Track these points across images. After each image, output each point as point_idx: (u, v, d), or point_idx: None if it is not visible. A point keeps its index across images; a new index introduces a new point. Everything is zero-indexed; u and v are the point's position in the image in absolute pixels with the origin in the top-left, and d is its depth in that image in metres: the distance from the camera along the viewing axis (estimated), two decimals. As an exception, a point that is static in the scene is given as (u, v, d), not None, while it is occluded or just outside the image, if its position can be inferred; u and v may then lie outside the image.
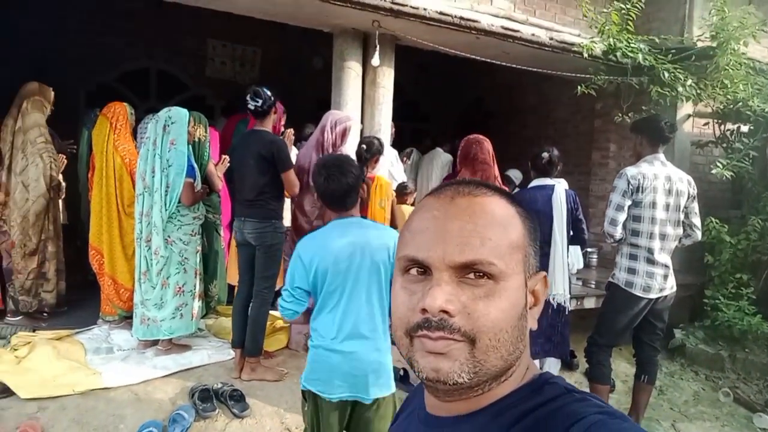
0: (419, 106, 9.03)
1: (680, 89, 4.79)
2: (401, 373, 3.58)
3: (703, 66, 4.87)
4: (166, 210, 3.44)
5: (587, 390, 1.27)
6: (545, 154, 3.57)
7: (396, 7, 3.97)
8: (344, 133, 3.72)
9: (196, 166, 3.60)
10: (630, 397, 3.62)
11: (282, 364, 3.65)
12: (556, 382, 0.67)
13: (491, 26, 4.44)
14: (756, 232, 4.76)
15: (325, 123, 3.73)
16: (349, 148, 3.84)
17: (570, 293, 3.73)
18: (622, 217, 3.20)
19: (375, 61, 4.31)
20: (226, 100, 6.60)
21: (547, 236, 3.48)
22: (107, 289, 3.90)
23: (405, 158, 5.64)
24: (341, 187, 2.08)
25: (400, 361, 3.79)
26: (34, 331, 3.73)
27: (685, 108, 5.34)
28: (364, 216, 2.73)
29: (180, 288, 3.51)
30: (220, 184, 3.89)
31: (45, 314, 4.05)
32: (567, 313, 3.66)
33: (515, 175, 5.94)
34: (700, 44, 5.00)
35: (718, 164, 4.64)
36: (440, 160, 5.81)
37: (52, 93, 4.07)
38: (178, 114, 3.53)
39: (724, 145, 5.21)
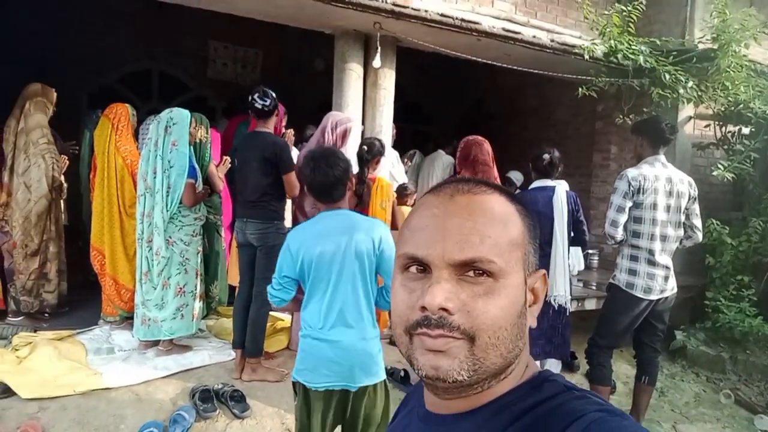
0: (421, 108, 9.04)
1: (681, 91, 4.80)
2: (402, 374, 3.59)
3: (704, 68, 4.88)
4: (167, 211, 3.45)
5: (587, 390, 1.27)
6: (546, 156, 3.57)
7: (397, 9, 3.98)
8: (345, 135, 3.73)
9: (197, 167, 3.61)
10: (631, 398, 3.61)
11: (283, 364, 3.65)
12: (556, 380, 0.67)
13: (492, 28, 4.45)
14: (757, 234, 4.76)
15: (325, 124, 3.74)
16: (350, 150, 3.84)
17: (571, 295, 3.72)
18: (623, 218, 3.20)
19: (376, 62, 4.32)
20: (228, 102, 6.61)
21: (547, 237, 3.48)
22: (108, 289, 3.90)
23: (407, 160, 5.65)
24: (327, 179, 2.12)
25: (401, 362, 3.80)
26: (35, 331, 3.74)
27: (687, 110, 5.34)
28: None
29: (181, 288, 3.51)
30: (221, 185, 3.90)
31: (46, 315, 4.05)
32: (568, 314, 3.66)
33: (516, 176, 5.94)
34: (701, 46, 5.00)
35: (719, 166, 4.64)
36: (441, 161, 5.81)
37: (55, 94, 4.08)
38: (180, 115, 3.54)
39: (725, 147, 5.21)
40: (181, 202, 3.47)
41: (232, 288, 4.27)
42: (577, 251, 4.36)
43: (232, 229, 3.88)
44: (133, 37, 6.86)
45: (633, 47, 4.87)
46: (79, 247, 4.69)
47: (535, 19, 4.94)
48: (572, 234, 3.63)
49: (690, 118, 5.41)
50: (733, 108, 4.99)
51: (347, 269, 2.06)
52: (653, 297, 3.22)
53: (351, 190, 2.29)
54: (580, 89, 4.90)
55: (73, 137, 4.59)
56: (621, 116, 5.13)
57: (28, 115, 3.91)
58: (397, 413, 0.88)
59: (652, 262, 3.20)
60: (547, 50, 4.81)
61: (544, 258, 3.45)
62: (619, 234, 3.22)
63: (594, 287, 4.79)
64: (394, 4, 3.95)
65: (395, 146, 4.93)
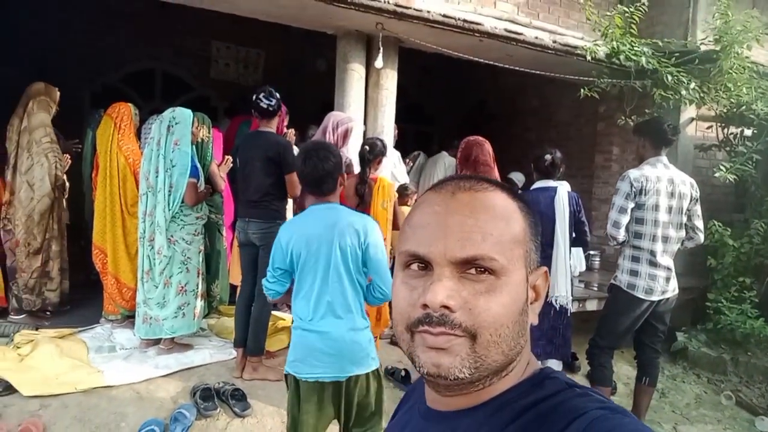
0: (423, 109, 9.04)
1: (683, 92, 4.79)
2: (402, 373, 3.59)
3: (707, 69, 4.87)
4: (169, 210, 3.45)
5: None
6: (548, 156, 3.58)
7: (399, 10, 3.98)
8: (346, 135, 3.73)
9: (199, 166, 3.62)
10: (631, 399, 3.61)
11: (284, 363, 3.62)
12: (557, 377, 0.67)
13: (494, 29, 4.45)
14: (759, 235, 4.76)
15: (326, 124, 3.75)
16: (352, 150, 3.85)
17: (572, 295, 3.72)
18: (625, 219, 3.20)
19: (378, 63, 4.32)
20: (230, 102, 6.62)
21: (549, 238, 3.49)
22: (110, 288, 3.91)
23: (409, 161, 5.65)
24: (317, 171, 2.17)
25: (401, 361, 3.81)
26: (36, 329, 3.74)
27: (689, 111, 5.34)
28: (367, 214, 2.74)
29: (182, 287, 3.52)
30: (222, 184, 3.90)
31: (48, 313, 4.06)
32: (569, 315, 3.66)
33: (518, 177, 5.94)
34: (703, 48, 4.99)
35: (722, 167, 4.64)
36: (444, 163, 5.80)
37: (58, 93, 4.08)
38: (182, 114, 3.54)
39: (728, 148, 5.21)
40: (183, 202, 3.47)
41: (233, 287, 4.28)
42: (578, 252, 4.37)
43: (234, 228, 3.89)
44: (136, 37, 6.86)
45: (635, 48, 4.87)
46: (81, 246, 4.69)
47: (537, 20, 4.94)
48: (574, 235, 3.63)
49: (692, 119, 5.41)
50: (735, 110, 4.99)
51: (333, 262, 2.10)
52: (654, 298, 3.22)
53: (342, 186, 2.32)
54: (582, 90, 4.90)
55: (75, 136, 4.60)
56: (623, 117, 5.13)
57: (32, 113, 3.91)
58: (398, 410, 0.88)
59: (653, 263, 3.20)
60: (549, 51, 4.81)
61: (545, 259, 3.45)
62: (621, 235, 3.22)
63: (595, 288, 4.79)
64: (396, 5, 3.95)
65: (397, 146, 4.93)
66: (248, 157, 3.41)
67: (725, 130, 5.26)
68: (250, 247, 3.43)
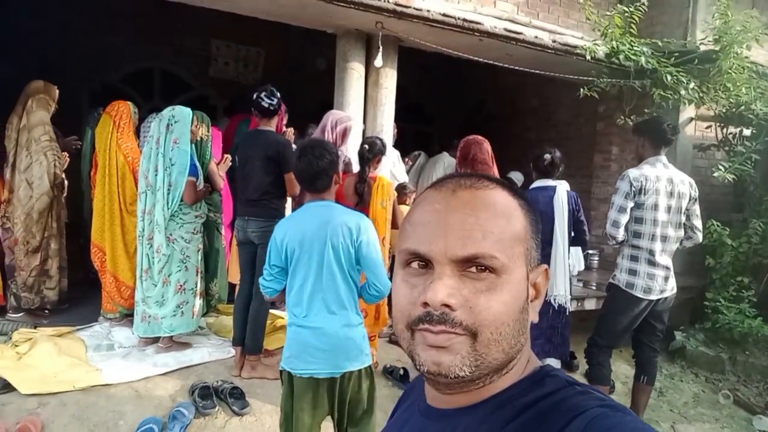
0: (422, 109, 9.03)
1: (683, 92, 4.80)
2: (401, 372, 3.59)
3: (706, 69, 4.88)
4: (168, 208, 3.45)
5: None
6: (547, 156, 3.58)
7: (399, 9, 3.98)
8: (345, 133, 3.73)
9: (198, 165, 3.61)
10: (629, 398, 3.62)
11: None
12: (557, 375, 0.67)
13: (494, 28, 4.45)
14: (757, 235, 4.76)
15: (325, 123, 3.74)
16: (351, 148, 3.85)
17: (570, 294, 3.73)
18: (624, 218, 3.21)
19: (378, 62, 4.32)
20: (229, 100, 6.61)
21: (548, 237, 3.49)
22: (108, 286, 3.91)
23: (408, 160, 5.64)
24: (311, 168, 2.19)
25: (400, 360, 3.81)
26: (35, 327, 3.74)
27: (688, 111, 5.35)
28: (365, 215, 2.75)
29: (181, 286, 3.52)
30: (221, 183, 3.90)
31: (46, 311, 4.05)
32: (567, 314, 3.66)
33: (516, 177, 5.94)
34: (703, 48, 5.00)
35: (720, 167, 4.65)
36: (443, 163, 5.80)
37: (57, 91, 4.08)
38: (182, 113, 3.54)
39: (726, 148, 5.22)
40: (182, 200, 3.47)
41: (231, 286, 4.28)
42: (577, 251, 4.37)
43: (232, 227, 3.88)
44: (136, 37, 6.86)
45: (635, 48, 4.87)
46: (80, 244, 4.69)
47: (537, 20, 4.94)
48: (572, 234, 3.64)
49: (691, 119, 5.41)
50: (734, 109, 4.99)
51: (326, 259, 2.12)
52: (653, 297, 3.22)
53: (338, 184, 2.34)
54: (581, 90, 4.90)
55: (74, 134, 4.59)
56: (622, 117, 5.13)
57: (31, 112, 3.91)
58: (397, 408, 0.88)
59: (652, 263, 3.21)
60: (549, 51, 4.81)
61: (544, 258, 3.43)
62: (621, 234, 3.22)
63: (594, 287, 4.79)
64: (396, 4, 3.95)
65: (396, 146, 4.93)
66: (248, 155, 3.41)
67: (724, 130, 5.26)
68: (248, 246, 3.43)
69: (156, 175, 3.46)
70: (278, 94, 3.41)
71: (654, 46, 4.98)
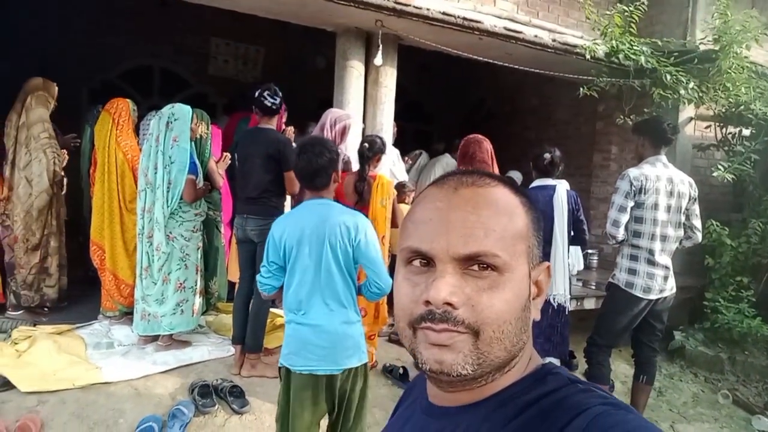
0: (422, 107, 9.04)
1: (682, 92, 4.80)
2: (401, 371, 3.59)
3: (706, 69, 4.88)
4: (167, 206, 3.45)
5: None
6: (547, 155, 3.58)
7: (399, 7, 3.98)
8: (344, 131, 3.73)
9: (198, 163, 3.61)
10: (629, 397, 3.62)
11: (282, 361, 3.65)
12: (559, 373, 0.67)
13: (494, 27, 4.45)
14: (757, 235, 4.77)
15: (324, 121, 3.74)
16: (350, 147, 3.84)
17: (570, 294, 3.73)
18: (624, 218, 3.21)
19: (378, 60, 4.31)
20: (228, 98, 6.61)
21: (547, 236, 3.48)
22: (108, 284, 3.91)
23: (408, 159, 5.64)
24: (310, 166, 2.21)
25: (400, 359, 3.81)
26: (34, 325, 3.73)
27: (687, 111, 5.35)
28: (365, 214, 2.76)
29: (181, 284, 3.51)
30: (221, 181, 3.90)
31: (46, 309, 4.05)
32: (567, 313, 3.66)
33: (516, 176, 5.94)
34: (702, 47, 5.00)
35: (720, 167, 4.65)
36: (442, 163, 5.80)
37: (56, 88, 4.07)
38: (182, 111, 3.54)
39: (726, 148, 5.22)
40: (181, 198, 3.47)
41: (231, 284, 4.28)
42: (576, 251, 4.37)
43: (232, 225, 3.88)
44: (136, 35, 6.85)
45: (634, 48, 4.87)
46: (80, 242, 4.68)
47: (536, 19, 4.94)
48: (572, 233, 3.64)
49: (691, 119, 5.42)
50: (733, 109, 5.00)
51: (324, 257, 2.13)
52: (652, 296, 3.23)
53: (337, 182, 2.35)
54: (581, 89, 4.91)
55: (73, 132, 4.58)
56: (622, 116, 5.13)
57: (30, 109, 3.90)
58: (399, 406, 0.88)
59: (651, 262, 3.21)
60: (549, 50, 4.81)
61: (544, 257, 3.44)
62: (621, 234, 3.23)
63: (593, 287, 4.80)
64: (396, 2, 3.95)
65: (396, 145, 4.93)
66: (248, 153, 3.41)
67: (724, 130, 5.27)
68: (248, 244, 3.43)
69: (155, 173, 3.46)
70: (281, 94, 3.41)
71: (653, 45, 4.98)
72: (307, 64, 7.60)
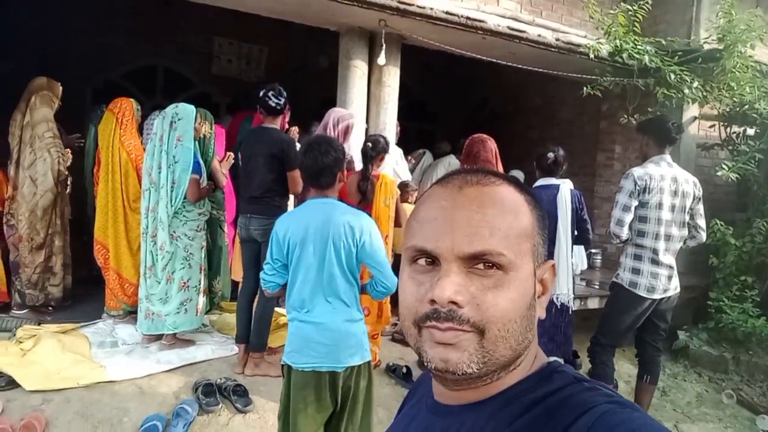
0: (426, 107, 9.03)
1: (686, 91, 4.79)
2: (404, 370, 3.59)
3: (710, 68, 4.87)
4: (171, 206, 3.45)
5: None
6: (551, 154, 3.57)
7: (402, 7, 3.98)
8: (347, 131, 3.73)
9: (201, 162, 3.62)
10: (632, 397, 3.61)
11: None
12: (565, 371, 0.67)
13: (498, 27, 4.44)
14: (761, 234, 4.75)
15: (327, 120, 3.74)
16: (353, 146, 3.85)
17: (573, 293, 3.72)
18: (628, 217, 3.20)
19: (381, 60, 4.31)
20: (232, 98, 6.61)
21: (551, 236, 3.48)
22: (112, 283, 3.92)
23: (411, 158, 5.63)
24: (316, 164, 2.21)
25: (403, 358, 3.81)
26: (39, 324, 3.75)
27: (691, 110, 5.34)
28: (368, 213, 2.76)
29: (185, 283, 3.52)
30: (224, 180, 3.90)
31: (50, 308, 4.07)
32: (570, 313, 3.66)
33: (518, 175, 5.93)
34: (706, 46, 4.99)
35: (724, 167, 4.64)
36: (446, 163, 5.79)
37: (60, 88, 4.08)
38: (185, 110, 3.54)
39: (730, 147, 5.20)
40: (185, 198, 3.47)
41: (234, 283, 4.28)
42: (580, 250, 4.35)
43: (235, 224, 3.89)
44: (138, 35, 6.86)
45: (638, 47, 4.86)
46: (84, 241, 4.69)
47: (540, 18, 4.93)
48: (576, 233, 3.63)
49: (695, 118, 5.41)
50: (738, 109, 4.99)
51: (327, 256, 2.14)
52: (656, 296, 3.22)
53: (342, 182, 2.36)
54: (584, 88, 4.89)
55: (77, 131, 4.59)
56: (625, 116, 5.12)
57: (34, 108, 3.91)
58: (404, 405, 0.88)
59: (655, 262, 3.20)
60: (552, 49, 4.80)
61: (547, 256, 3.45)
62: (625, 233, 3.22)
63: (597, 286, 4.79)
64: (400, 2, 3.95)
65: (399, 144, 4.93)
66: (251, 153, 3.41)
67: (728, 129, 5.25)
68: (251, 244, 3.44)
69: (159, 172, 3.47)
70: (285, 94, 3.42)
71: (657, 44, 4.97)
72: (310, 63, 7.61)
